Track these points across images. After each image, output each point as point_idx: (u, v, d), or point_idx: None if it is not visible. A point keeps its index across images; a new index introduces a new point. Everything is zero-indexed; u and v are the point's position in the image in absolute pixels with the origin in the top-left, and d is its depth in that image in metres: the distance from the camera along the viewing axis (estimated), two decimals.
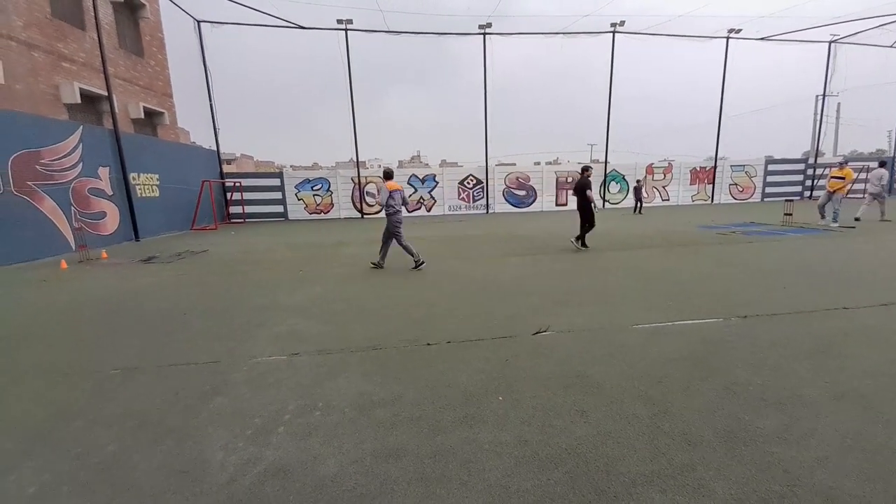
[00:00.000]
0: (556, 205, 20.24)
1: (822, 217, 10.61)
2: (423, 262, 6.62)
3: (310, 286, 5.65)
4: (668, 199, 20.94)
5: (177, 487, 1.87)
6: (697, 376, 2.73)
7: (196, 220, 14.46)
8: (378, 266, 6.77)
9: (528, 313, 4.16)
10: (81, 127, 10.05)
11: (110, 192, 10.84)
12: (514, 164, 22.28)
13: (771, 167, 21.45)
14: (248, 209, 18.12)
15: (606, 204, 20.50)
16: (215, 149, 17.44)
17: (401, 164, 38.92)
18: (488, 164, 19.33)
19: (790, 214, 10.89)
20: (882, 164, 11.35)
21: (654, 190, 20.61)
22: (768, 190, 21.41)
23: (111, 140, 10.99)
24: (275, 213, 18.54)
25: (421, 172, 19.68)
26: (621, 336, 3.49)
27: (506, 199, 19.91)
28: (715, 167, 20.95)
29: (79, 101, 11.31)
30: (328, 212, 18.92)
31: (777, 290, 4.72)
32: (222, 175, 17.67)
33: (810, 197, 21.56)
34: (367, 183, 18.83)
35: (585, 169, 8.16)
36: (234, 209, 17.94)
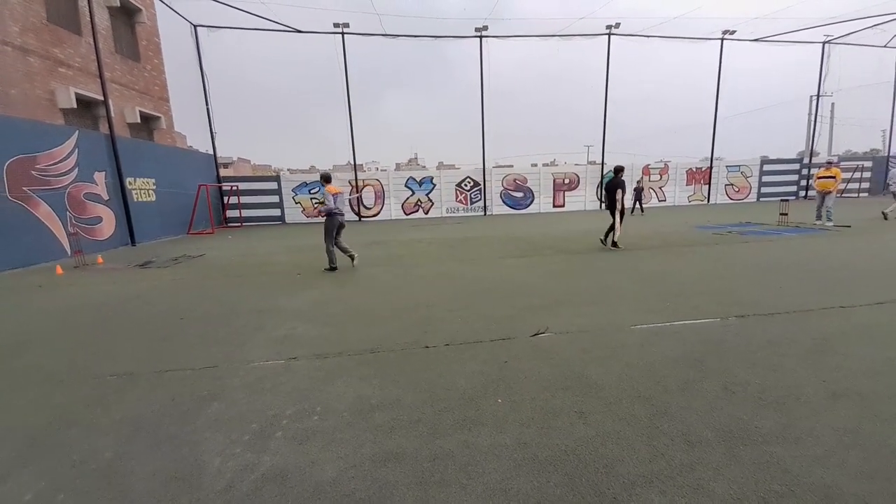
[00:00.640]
0: (554, 206, 20.29)
1: (819, 218, 10.67)
2: (335, 268, 6.93)
3: (307, 289, 5.63)
4: (665, 200, 21.02)
5: (174, 494, 1.86)
6: (696, 376, 2.74)
7: (193, 225, 14.42)
8: (335, 268, 6.98)
9: (527, 315, 4.16)
10: (77, 132, 10.02)
11: (106, 197, 10.80)
12: (512, 166, 22.34)
13: (766, 167, 21.58)
14: (246, 213, 18.09)
15: (604, 205, 20.56)
16: (212, 153, 17.42)
17: (398, 167, 38.95)
18: (486, 166, 19.37)
19: (786, 214, 10.95)
20: None
21: (651, 191, 20.69)
22: (764, 190, 21.53)
23: (107, 145, 10.96)
24: (272, 217, 18.51)
25: (418, 175, 19.70)
26: (620, 337, 3.49)
27: (503, 201, 19.94)
28: (711, 167, 21.05)
29: (75, 105, 11.28)
30: None
31: (774, 290, 4.74)
32: (219, 179, 17.65)
33: (805, 197, 21.69)
34: (364, 186, 18.84)
35: (619, 170, 8.12)
36: (231, 213, 17.90)
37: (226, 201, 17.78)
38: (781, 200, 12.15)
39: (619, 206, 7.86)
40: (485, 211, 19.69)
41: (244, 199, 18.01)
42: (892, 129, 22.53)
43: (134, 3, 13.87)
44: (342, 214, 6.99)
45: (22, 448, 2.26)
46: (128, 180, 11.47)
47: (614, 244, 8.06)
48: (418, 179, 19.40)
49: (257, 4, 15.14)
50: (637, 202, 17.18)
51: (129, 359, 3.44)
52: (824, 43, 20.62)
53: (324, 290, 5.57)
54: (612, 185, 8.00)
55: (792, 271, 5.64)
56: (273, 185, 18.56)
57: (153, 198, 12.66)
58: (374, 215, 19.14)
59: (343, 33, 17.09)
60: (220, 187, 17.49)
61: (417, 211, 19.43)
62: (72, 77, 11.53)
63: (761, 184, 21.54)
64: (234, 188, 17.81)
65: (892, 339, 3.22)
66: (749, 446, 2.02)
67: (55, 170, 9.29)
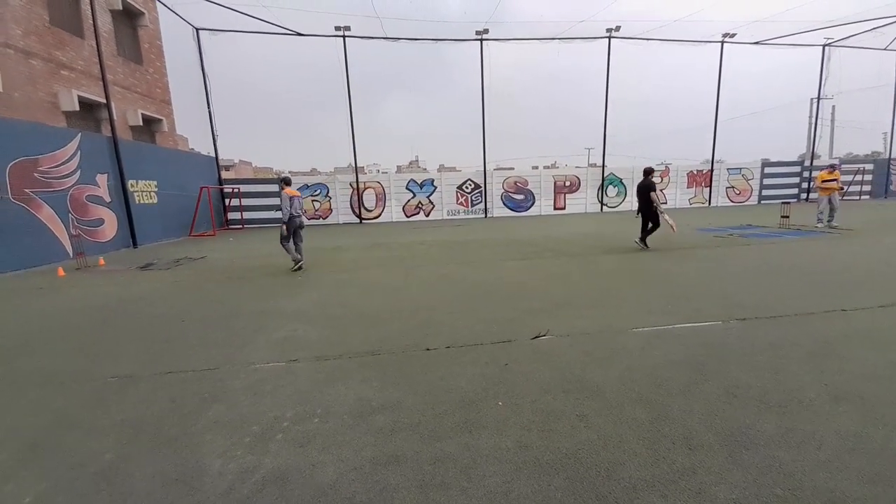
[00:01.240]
0: (555, 209, 20.29)
1: (820, 221, 10.63)
2: (300, 266, 7.19)
3: (308, 291, 5.64)
4: (666, 202, 20.99)
5: (174, 497, 1.85)
6: (697, 379, 2.73)
7: (194, 227, 14.44)
8: (298, 266, 7.25)
9: (528, 317, 4.15)
10: (80, 134, 10.05)
11: (108, 199, 10.83)
12: (513, 169, 22.34)
13: (767, 170, 21.57)
14: (247, 215, 18.11)
15: (605, 207, 20.56)
16: (214, 155, 17.47)
17: (399, 169, 38.99)
18: (486, 169, 19.40)
19: (787, 217, 10.94)
20: None
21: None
22: (765, 193, 21.51)
23: (109, 147, 11.00)
24: (273, 220, 18.52)
25: (419, 177, 19.73)
26: (621, 339, 3.48)
27: (504, 204, 19.95)
28: (712, 170, 21.05)
29: (77, 108, 11.34)
30: (326, 217, 18.93)
31: (775, 293, 4.73)
32: (220, 181, 17.68)
33: (807, 199, 21.67)
34: (365, 188, 18.87)
35: (649, 171, 8.16)
36: (232, 215, 17.93)
37: (227, 203, 17.81)
38: (782, 203, 12.14)
39: (655, 207, 7.90)
40: (485, 213, 19.69)
41: (245, 202, 18.05)
42: (892, 132, 22.52)
43: (136, 6, 13.96)
44: (299, 216, 7.27)
45: (22, 450, 2.26)
46: (130, 182, 11.49)
47: (643, 242, 8.08)
48: (419, 182, 19.43)
49: (259, 8, 15.21)
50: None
51: (130, 360, 3.44)
52: (824, 46, 20.65)
53: (325, 292, 5.57)
54: (643, 188, 8.03)
55: (793, 274, 5.62)
56: (274, 188, 18.58)
57: (155, 200, 12.69)
58: (375, 217, 19.15)
59: (344, 36, 17.15)
60: (221, 189, 17.53)
61: (418, 213, 19.44)
62: (74, 80, 11.59)
63: (762, 186, 21.52)
64: (236, 190, 17.85)
65: (894, 343, 3.21)
66: (751, 450, 2.01)
67: (57, 172, 9.32)
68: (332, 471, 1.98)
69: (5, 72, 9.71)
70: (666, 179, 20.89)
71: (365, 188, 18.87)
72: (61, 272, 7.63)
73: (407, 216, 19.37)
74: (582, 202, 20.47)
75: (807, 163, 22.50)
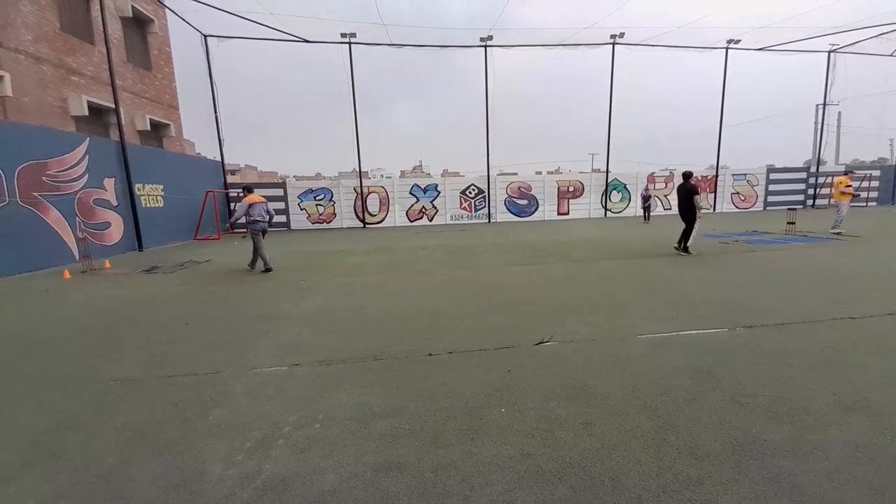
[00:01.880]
0: (558, 214, 20.27)
1: (838, 228, 10.47)
2: (271, 269, 7.60)
3: (311, 296, 5.64)
4: (670, 208, 20.93)
5: (175, 501, 1.85)
6: (703, 388, 2.70)
7: (199, 231, 14.54)
8: (253, 269, 7.74)
9: (531, 323, 4.13)
10: (88, 139, 10.18)
11: (115, 203, 10.93)
12: (516, 174, 22.36)
13: (773, 176, 21.47)
14: None
15: (608, 213, 20.51)
16: (220, 160, 17.62)
17: (403, 174, 39.14)
18: (490, 174, 19.43)
19: (793, 223, 10.85)
20: None
21: (656, 199, 20.63)
22: (770, 199, 21.40)
23: (117, 151, 11.12)
24: (277, 223, 18.62)
25: (423, 182, 19.79)
26: (625, 346, 3.45)
27: (507, 209, 19.96)
28: (717, 176, 20.97)
29: (86, 113, 11.49)
30: (331, 221, 19.01)
31: (782, 300, 4.68)
32: (226, 186, 17.82)
33: (813, 206, 21.51)
34: (369, 193, 18.94)
35: (689, 175, 8.15)
36: None
37: (232, 207, 17.92)
38: (788, 209, 12.05)
39: (698, 212, 7.87)
40: (489, 218, 19.70)
41: None
42: None
43: (146, 13, 14.18)
44: (263, 222, 7.61)
45: (24, 452, 2.26)
46: (136, 186, 11.61)
47: (685, 249, 8.03)
48: (423, 187, 19.48)
49: (266, 15, 15.41)
50: (645, 210, 17.15)
51: (133, 364, 3.45)
52: (830, 52, 20.60)
53: (328, 297, 5.58)
54: (687, 192, 7.97)
55: (800, 281, 5.57)
56: (279, 192, 18.71)
57: (161, 204, 12.80)
58: (379, 222, 19.21)
59: (350, 43, 17.32)
60: (227, 194, 17.66)
61: (422, 218, 19.49)
62: (84, 85, 11.75)
63: (767, 192, 21.41)
64: (240, 194, 17.97)
65: None
66: (758, 460, 1.98)
67: (66, 176, 9.43)
68: (332, 477, 1.97)
69: (16, 77, 9.86)
70: (670, 185, 20.82)
71: (369, 193, 18.95)
72: (67, 275, 7.69)
73: (410, 221, 19.42)
74: (586, 207, 20.45)
75: (812, 169, 22.37)
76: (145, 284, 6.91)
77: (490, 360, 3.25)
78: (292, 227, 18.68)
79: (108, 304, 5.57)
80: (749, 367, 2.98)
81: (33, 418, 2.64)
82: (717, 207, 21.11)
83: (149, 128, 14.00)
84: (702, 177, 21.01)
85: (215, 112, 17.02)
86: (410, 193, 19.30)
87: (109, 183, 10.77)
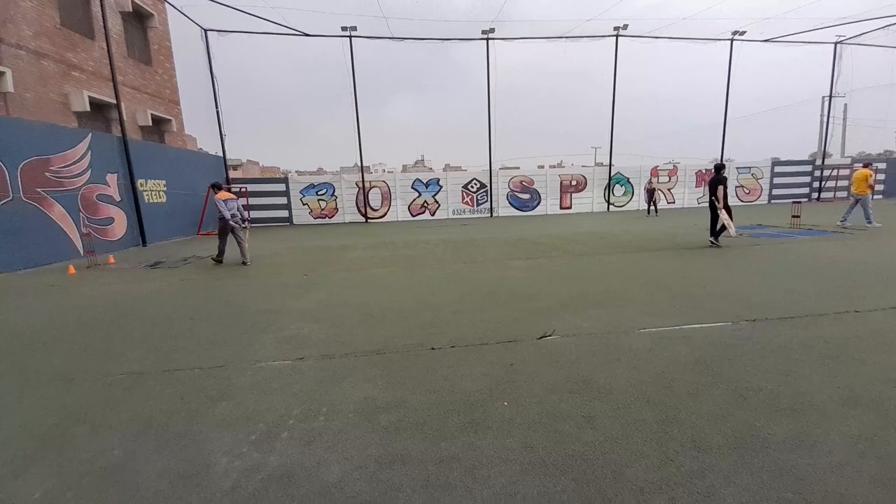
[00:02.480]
0: (561, 208, 20.20)
1: (870, 220, 10.35)
2: (221, 261, 8.01)
3: (314, 290, 5.66)
4: (674, 202, 20.83)
5: (181, 493, 1.87)
6: (706, 381, 2.69)
7: (202, 226, 14.58)
8: (220, 261, 8.10)
9: (533, 317, 4.13)
10: (90, 134, 10.19)
11: (118, 199, 10.96)
12: (518, 168, 22.28)
13: (777, 169, 21.29)
14: (254, 214, 18.23)
15: (611, 207, 20.42)
16: (221, 155, 17.62)
17: (405, 168, 39.05)
18: (492, 168, 19.35)
19: (798, 216, 10.78)
20: None
21: (659, 192, 20.52)
22: (775, 192, 21.24)
23: (119, 147, 11.14)
24: (280, 218, 18.66)
25: (425, 177, 19.74)
26: (628, 340, 3.45)
27: (510, 203, 19.91)
28: None
29: (88, 108, 11.48)
30: (333, 216, 19.02)
31: (786, 294, 4.66)
32: (228, 181, 17.82)
33: (818, 199, 21.35)
34: (371, 187, 18.91)
35: (720, 167, 8.15)
36: None
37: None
38: (794, 202, 11.96)
39: (719, 203, 7.88)
40: (491, 213, 19.66)
41: (253, 201, 18.18)
42: None
43: (146, 8, 14.11)
44: (237, 216, 7.99)
45: (31, 446, 2.29)
46: (139, 182, 11.63)
47: (715, 241, 8.03)
48: (425, 181, 19.44)
49: (266, 9, 15.31)
50: (651, 204, 17.05)
51: (138, 358, 3.48)
52: (836, 43, 20.32)
53: (330, 291, 5.59)
54: (714, 183, 7.99)
55: (805, 274, 5.54)
56: (281, 187, 18.73)
57: (164, 199, 12.83)
58: (381, 217, 19.21)
59: (351, 36, 17.21)
60: (229, 189, 17.67)
61: (424, 212, 19.46)
62: (85, 81, 11.74)
63: (772, 185, 21.25)
64: (243, 190, 17.98)
65: None
66: (761, 453, 1.98)
67: (69, 171, 9.45)
68: (337, 469, 1.99)
69: (17, 73, 9.86)
70: (674, 179, 20.70)
71: (370, 187, 18.92)
72: (72, 270, 7.74)
73: (412, 215, 19.40)
74: (588, 201, 20.37)
75: (818, 161, 22.17)
76: (149, 280, 6.95)
77: (493, 354, 3.26)
78: (295, 223, 18.69)
79: (113, 300, 5.60)
80: (752, 360, 2.97)
81: (40, 412, 2.67)
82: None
83: (150, 123, 14.00)
84: (705, 170, 20.87)
85: (216, 107, 16.99)
86: (412, 188, 19.26)
87: (112, 178, 10.79)
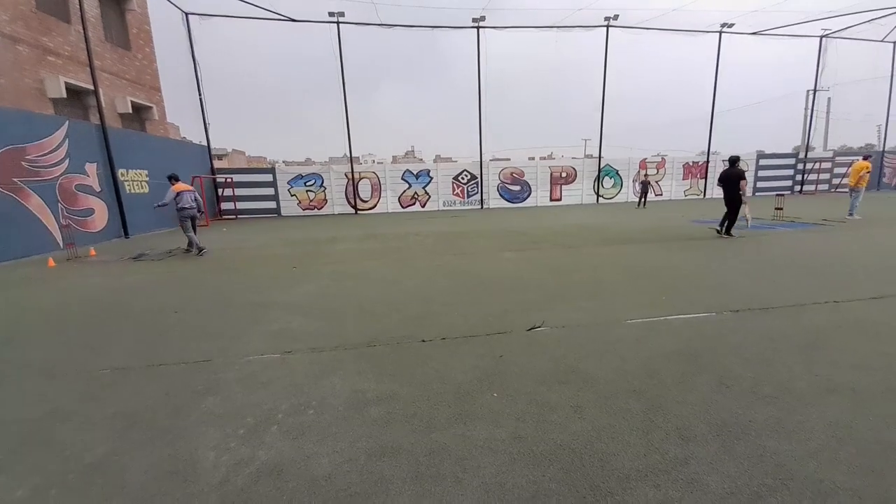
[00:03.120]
0: (551, 200, 20.28)
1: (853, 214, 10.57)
2: (203, 250, 8.16)
3: (303, 283, 5.61)
4: (661, 194, 21.06)
5: (168, 489, 1.85)
6: (691, 371, 2.75)
7: None
8: (190, 251, 8.30)
9: (523, 309, 4.16)
10: (67, 122, 9.85)
11: (98, 189, 10.66)
12: (509, 160, 22.24)
13: (762, 162, 21.64)
14: (240, 205, 17.95)
15: (601, 199, 20.57)
16: (206, 144, 17.21)
17: (395, 160, 38.67)
18: (483, 160, 19.29)
19: (781, 209, 11.00)
20: None
21: (651, 185, 20.71)
22: (759, 185, 21.61)
23: (98, 135, 10.79)
24: (267, 210, 18.38)
25: (415, 168, 19.60)
26: (615, 331, 3.50)
27: (500, 195, 19.91)
28: (707, 162, 21.08)
29: (64, 95, 11.08)
30: (321, 207, 18.80)
31: (769, 285, 4.77)
32: (213, 171, 17.46)
33: (801, 191, 21.80)
34: (360, 179, 18.71)
35: (736, 160, 8.27)
36: (225, 205, 17.76)
37: (220, 193, 17.61)
38: (777, 195, 12.20)
39: (745, 198, 8.06)
40: (482, 204, 19.65)
41: (239, 192, 17.86)
42: (887, 125, 22.64)
43: None
44: (192, 209, 8.13)
45: (14, 443, 2.24)
46: (120, 171, 11.32)
47: (728, 232, 8.19)
48: (415, 172, 19.30)
49: None
50: (643, 196, 17.20)
51: (122, 353, 3.41)
52: (822, 37, 20.59)
53: (319, 284, 5.54)
54: (733, 176, 8.10)
55: (786, 266, 5.67)
56: (268, 178, 18.41)
57: (146, 189, 12.52)
58: (371, 208, 19.06)
59: (338, 23, 16.85)
60: (214, 179, 17.32)
61: (414, 204, 19.36)
62: (61, 66, 11.31)
63: (757, 178, 21.61)
64: (229, 180, 17.64)
65: (886, 334, 3.25)
66: (743, 440, 2.03)
67: (46, 160, 9.14)
68: (326, 462, 1.98)
69: None
70: (662, 171, 20.91)
71: (360, 178, 18.73)
72: (51, 263, 7.53)
73: (403, 207, 19.29)
74: (578, 193, 20.48)
75: (801, 155, 22.59)
76: (132, 272, 6.80)
77: (482, 346, 3.28)
78: (283, 214, 18.44)
79: (95, 293, 5.48)
80: (735, 350, 3.04)
81: (21, 408, 2.61)
82: (707, 193, 21.29)
83: (130, 110, 13.58)
84: (693, 163, 21.11)
85: (199, 94, 16.55)
86: (402, 179, 19.12)
87: (91, 168, 10.48)
